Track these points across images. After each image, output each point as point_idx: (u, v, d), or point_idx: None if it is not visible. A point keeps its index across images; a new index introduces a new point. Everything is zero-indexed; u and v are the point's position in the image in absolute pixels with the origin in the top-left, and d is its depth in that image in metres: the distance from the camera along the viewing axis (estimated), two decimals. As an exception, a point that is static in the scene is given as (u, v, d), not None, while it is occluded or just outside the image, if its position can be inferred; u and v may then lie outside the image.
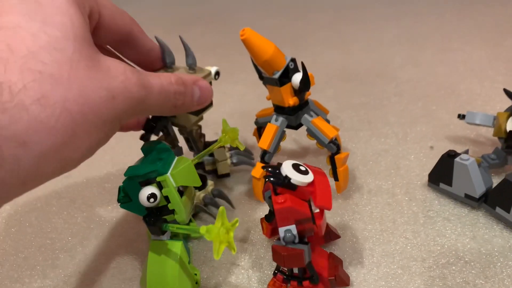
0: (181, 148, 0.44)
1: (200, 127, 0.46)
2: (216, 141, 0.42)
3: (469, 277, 0.36)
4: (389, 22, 1.01)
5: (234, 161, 0.49)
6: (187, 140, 0.47)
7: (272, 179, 0.32)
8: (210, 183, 0.46)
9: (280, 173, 0.32)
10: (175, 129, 0.45)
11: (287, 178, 0.32)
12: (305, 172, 0.33)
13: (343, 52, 0.87)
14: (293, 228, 0.32)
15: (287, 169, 0.32)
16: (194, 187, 0.43)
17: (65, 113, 0.23)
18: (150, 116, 0.42)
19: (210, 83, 0.40)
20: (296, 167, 0.33)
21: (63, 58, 0.24)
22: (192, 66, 0.39)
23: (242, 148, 0.42)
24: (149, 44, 0.37)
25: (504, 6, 1.02)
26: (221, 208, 0.30)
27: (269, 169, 0.33)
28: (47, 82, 0.23)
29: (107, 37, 0.33)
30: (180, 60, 0.40)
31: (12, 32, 0.23)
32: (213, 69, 0.40)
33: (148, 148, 0.35)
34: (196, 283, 0.36)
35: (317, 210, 0.32)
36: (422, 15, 1.03)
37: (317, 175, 0.33)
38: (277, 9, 1.20)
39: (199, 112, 0.40)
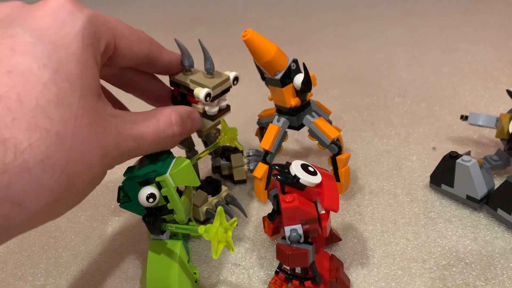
0: (196, 152, 0.44)
1: (218, 130, 0.46)
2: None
3: (469, 278, 0.36)
4: (394, 23, 1.01)
5: (251, 167, 0.48)
6: (205, 143, 0.47)
7: (280, 177, 0.32)
8: (224, 189, 0.45)
9: (289, 172, 0.32)
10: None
11: (295, 178, 0.32)
12: (314, 173, 0.33)
13: (347, 53, 0.87)
14: (299, 227, 0.32)
15: (296, 168, 0.32)
16: (207, 193, 0.44)
17: (65, 175, 0.24)
18: None
19: (229, 88, 0.40)
20: (305, 167, 0.33)
21: (69, 114, 0.24)
22: (210, 71, 0.39)
23: (241, 148, 0.43)
24: (167, 57, 0.37)
25: (509, 7, 1.01)
26: (219, 207, 0.30)
27: (278, 167, 0.33)
28: (52, 141, 0.23)
29: (124, 63, 0.34)
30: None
31: (23, 78, 0.22)
32: (231, 75, 0.40)
33: None
34: (196, 282, 0.36)
35: (323, 212, 0.32)
36: (427, 15, 1.03)
37: (325, 178, 0.33)
38: (281, 10, 1.20)
39: (215, 117, 0.40)
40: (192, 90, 0.38)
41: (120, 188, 0.34)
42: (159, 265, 0.35)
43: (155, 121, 0.32)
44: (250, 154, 0.49)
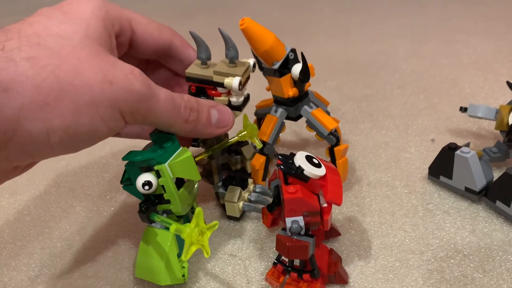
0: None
1: None
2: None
3: (467, 270, 0.36)
4: (393, 14, 1.00)
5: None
6: (218, 140, 0.43)
7: (284, 168, 0.31)
8: (250, 181, 0.44)
9: (293, 163, 0.32)
10: None
11: (300, 169, 0.31)
12: (318, 165, 0.32)
13: (347, 44, 0.86)
14: (300, 219, 0.31)
15: (300, 160, 0.32)
16: (242, 187, 0.42)
17: (53, 77, 0.24)
18: None
19: (249, 77, 0.38)
20: (309, 159, 0.32)
21: (67, 43, 0.26)
22: (233, 59, 0.37)
23: (259, 146, 0.40)
24: (192, 55, 0.38)
25: (510, -2, 1.01)
26: (198, 209, 0.29)
27: (282, 158, 0.32)
28: (42, 50, 0.25)
29: (145, 51, 0.36)
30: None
31: (28, 24, 0.26)
32: (251, 61, 0.39)
33: (156, 136, 0.35)
34: (183, 275, 0.36)
35: (325, 205, 0.32)
36: (427, 6, 1.02)
37: (329, 171, 0.33)
38: (281, 0, 1.19)
39: (242, 107, 0.39)
40: (216, 83, 0.36)
41: (125, 170, 0.34)
42: (149, 254, 0.35)
43: (168, 90, 0.31)
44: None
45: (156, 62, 0.40)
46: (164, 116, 0.31)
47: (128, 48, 0.35)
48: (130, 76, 0.27)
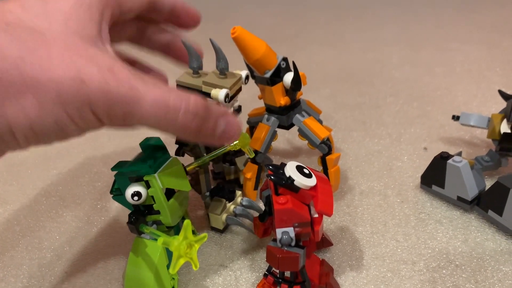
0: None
1: None
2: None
3: (459, 281, 0.36)
4: (387, 22, 1.00)
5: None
6: (207, 149, 0.42)
7: (274, 178, 0.31)
8: (238, 194, 0.43)
9: (283, 173, 0.32)
10: None
11: (290, 179, 0.31)
12: (309, 175, 0.32)
13: (340, 52, 0.86)
14: (290, 230, 0.31)
15: (291, 170, 0.31)
16: (226, 199, 0.42)
17: (15, 70, 0.23)
18: None
19: (240, 89, 0.38)
20: (300, 169, 0.32)
21: (38, 37, 0.24)
22: (224, 71, 0.37)
23: (251, 156, 0.40)
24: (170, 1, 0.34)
25: (502, 7, 1.01)
26: (186, 221, 0.29)
27: (272, 168, 0.32)
28: (8, 39, 0.23)
29: (131, 10, 0.31)
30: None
31: (1, 12, 0.24)
32: (243, 74, 0.38)
33: (146, 145, 0.35)
34: (173, 287, 0.36)
35: (316, 215, 0.32)
36: (420, 14, 1.02)
37: (320, 181, 0.33)
38: (274, 8, 1.19)
39: None
40: (204, 93, 0.36)
41: (115, 180, 0.33)
42: (138, 265, 0.34)
43: (166, 90, 0.26)
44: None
45: (155, 25, 0.36)
46: (151, 121, 0.26)
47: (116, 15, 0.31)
48: (106, 74, 0.24)
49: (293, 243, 0.31)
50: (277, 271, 0.34)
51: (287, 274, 0.34)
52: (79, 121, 0.25)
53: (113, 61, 0.25)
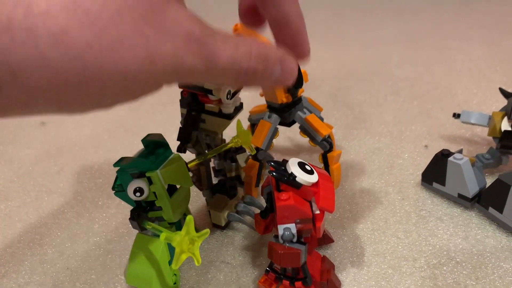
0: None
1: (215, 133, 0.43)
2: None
3: (460, 277, 0.36)
4: (387, 21, 1.00)
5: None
6: (208, 146, 0.43)
7: (276, 174, 0.31)
8: (240, 190, 0.44)
9: (285, 169, 0.32)
10: None
11: (292, 176, 0.31)
12: (311, 172, 0.32)
13: (340, 50, 0.86)
14: (292, 227, 0.31)
15: (293, 166, 0.31)
16: (227, 196, 0.42)
17: (79, 62, 0.18)
18: (182, 124, 0.40)
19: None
20: (302, 165, 0.32)
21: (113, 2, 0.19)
22: None
23: (252, 153, 0.40)
24: (288, 11, 0.29)
25: (502, 6, 1.01)
26: (188, 216, 0.29)
27: (274, 164, 0.32)
28: (77, 18, 0.18)
29: None
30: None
31: None
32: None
33: (148, 141, 0.35)
34: (175, 283, 0.36)
35: (317, 212, 0.32)
36: (421, 13, 1.02)
37: (322, 178, 0.33)
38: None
39: (231, 116, 0.38)
40: (206, 90, 0.36)
41: (117, 176, 0.33)
42: (140, 261, 0.34)
43: (233, 45, 0.24)
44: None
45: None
46: (216, 81, 0.25)
47: None
48: (181, 49, 0.21)
49: (294, 239, 0.32)
50: (279, 267, 0.34)
51: (289, 270, 0.34)
52: (140, 94, 0.22)
53: (190, 26, 0.22)
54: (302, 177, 0.31)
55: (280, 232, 0.31)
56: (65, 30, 0.18)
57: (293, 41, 0.29)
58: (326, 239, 0.39)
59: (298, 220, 0.31)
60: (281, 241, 0.32)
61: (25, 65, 0.18)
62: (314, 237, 0.36)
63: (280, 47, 0.28)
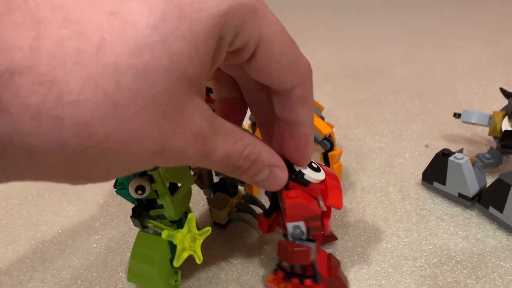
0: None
1: None
2: None
3: (460, 277, 0.36)
4: (389, 19, 1.00)
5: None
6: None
7: None
8: (240, 189, 0.43)
9: (293, 167, 0.32)
10: None
11: (300, 173, 0.31)
12: (318, 170, 0.32)
13: (342, 49, 0.86)
14: (302, 224, 0.31)
15: None
16: (229, 195, 0.42)
17: (97, 150, 0.19)
18: None
19: None
20: (309, 163, 0.32)
21: (144, 90, 0.18)
22: None
23: None
24: (302, 115, 0.28)
25: (504, 5, 1.01)
26: (190, 214, 0.29)
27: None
28: (104, 110, 0.18)
29: (251, 83, 0.28)
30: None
31: (121, 27, 0.17)
32: None
33: None
34: (176, 281, 0.36)
35: (325, 209, 0.32)
36: (422, 12, 1.02)
37: (328, 176, 0.33)
38: (276, 5, 1.19)
39: None
40: (208, 88, 0.36)
41: None
42: (141, 259, 0.34)
43: (231, 142, 0.24)
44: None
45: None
46: (208, 167, 0.25)
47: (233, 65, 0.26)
48: (188, 145, 0.21)
49: (304, 237, 0.32)
50: (287, 265, 0.34)
51: (297, 268, 0.34)
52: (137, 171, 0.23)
53: (202, 121, 0.22)
54: (310, 174, 0.31)
55: (290, 230, 0.31)
56: (90, 121, 0.18)
57: (296, 146, 0.30)
58: (330, 237, 0.39)
59: (306, 218, 0.31)
60: (290, 239, 0.32)
61: (44, 149, 0.18)
62: (319, 235, 0.36)
63: (280, 153, 0.29)
